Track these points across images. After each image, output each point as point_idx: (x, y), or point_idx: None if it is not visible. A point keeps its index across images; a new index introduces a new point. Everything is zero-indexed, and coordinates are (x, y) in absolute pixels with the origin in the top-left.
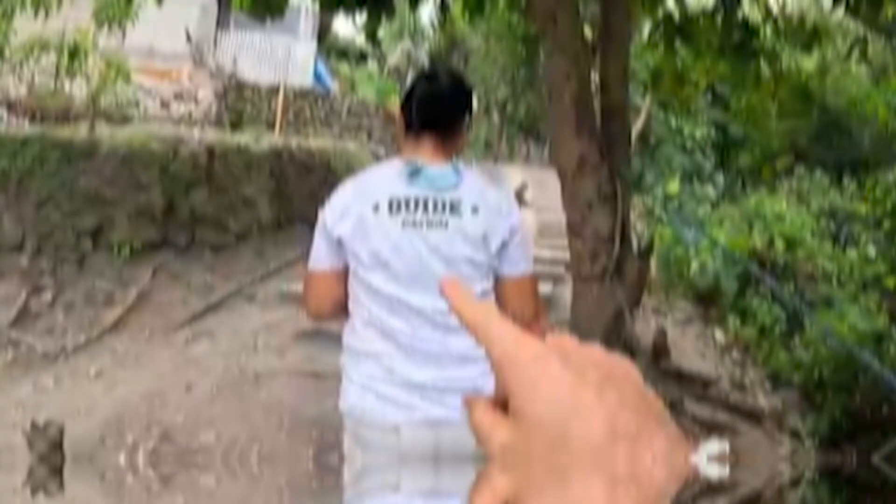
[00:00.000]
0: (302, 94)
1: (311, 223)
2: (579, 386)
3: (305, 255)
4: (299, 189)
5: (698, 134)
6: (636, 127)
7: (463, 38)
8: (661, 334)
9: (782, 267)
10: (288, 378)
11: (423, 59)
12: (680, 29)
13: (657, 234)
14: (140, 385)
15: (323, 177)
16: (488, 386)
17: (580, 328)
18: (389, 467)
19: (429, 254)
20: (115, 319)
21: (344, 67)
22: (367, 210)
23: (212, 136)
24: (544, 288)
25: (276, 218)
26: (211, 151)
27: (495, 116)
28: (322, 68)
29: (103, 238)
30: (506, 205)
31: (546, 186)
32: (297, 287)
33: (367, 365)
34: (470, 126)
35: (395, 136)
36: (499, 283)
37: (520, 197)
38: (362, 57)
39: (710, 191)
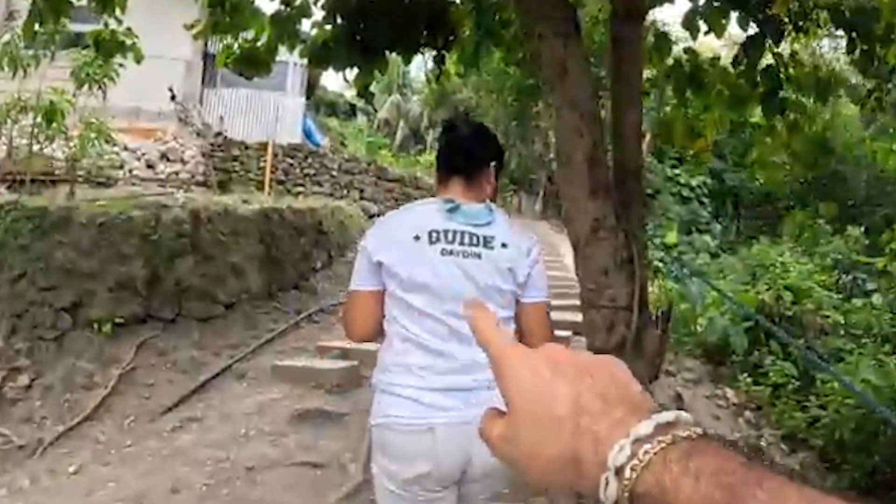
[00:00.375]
0: (291, 151)
1: (304, 288)
2: (555, 377)
3: (294, 321)
4: (290, 252)
5: (694, 182)
6: None
7: (454, 90)
8: (678, 399)
9: (790, 320)
10: (285, 470)
11: (414, 111)
12: (691, 77)
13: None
14: (123, 486)
15: (314, 239)
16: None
17: None
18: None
19: (464, 279)
20: (95, 405)
21: (333, 122)
22: (408, 239)
23: (197, 198)
24: None
25: (266, 285)
26: (196, 216)
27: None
28: (311, 123)
29: (82, 314)
30: (529, 242)
31: (542, 241)
32: (291, 361)
33: (405, 376)
34: (499, 171)
35: (388, 190)
36: (519, 307)
37: None
38: (351, 110)
39: (709, 240)
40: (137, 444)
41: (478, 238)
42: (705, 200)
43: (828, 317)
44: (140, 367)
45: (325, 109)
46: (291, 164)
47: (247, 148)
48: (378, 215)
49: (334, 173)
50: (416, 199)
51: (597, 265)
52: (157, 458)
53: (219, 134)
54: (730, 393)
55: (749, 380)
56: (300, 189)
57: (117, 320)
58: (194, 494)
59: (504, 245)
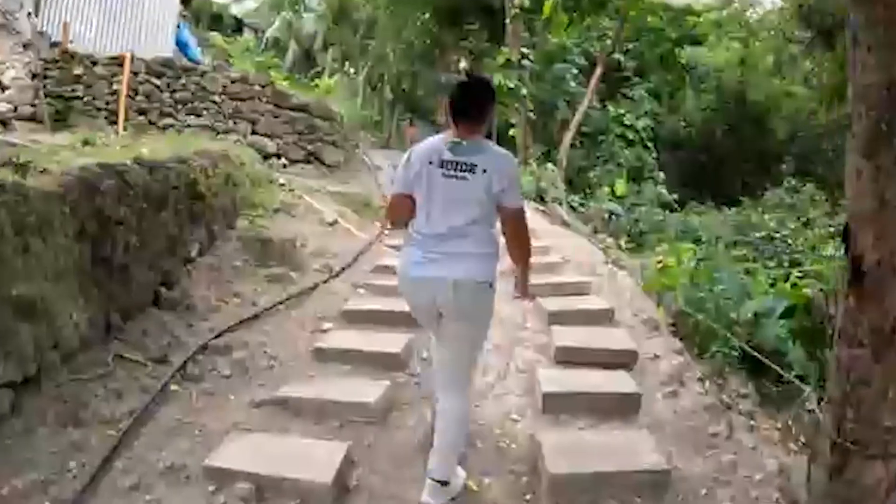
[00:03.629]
0: (159, 69)
1: (168, 304)
2: None
3: None
4: (143, 245)
5: (640, 124)
6: (576, 119)
7: (355, 7)
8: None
9: None
10: None
11: (307, 29)
12: None
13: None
14: None
15: (186, 209)
16: (478, 260)
17: None
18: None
19: (455, 192)
20: None
21: (217, 38)
22: (425, 163)
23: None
24: None
25: (95, 319)
26: None
27: (387, 92)
28: (187, 34)
29: None
30: (507, 164)
31: None
32: None
33: (408, 248)
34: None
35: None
36: (500, 210)
37: None
38: (238, 26)
39: (660, 189)
40: None
41: (466, 166)
42: (650, 145)
43: None
44: None
45: (207, 23)
46: (158, 87)
47: (94, 64)
48: (277, 156)
49: (217, 98)
50: (328, 132)
51: None
52: None
53: (55, 45)
54: None
55: None
56: (169, 122)
57: None
58: None
59: (484, 171)
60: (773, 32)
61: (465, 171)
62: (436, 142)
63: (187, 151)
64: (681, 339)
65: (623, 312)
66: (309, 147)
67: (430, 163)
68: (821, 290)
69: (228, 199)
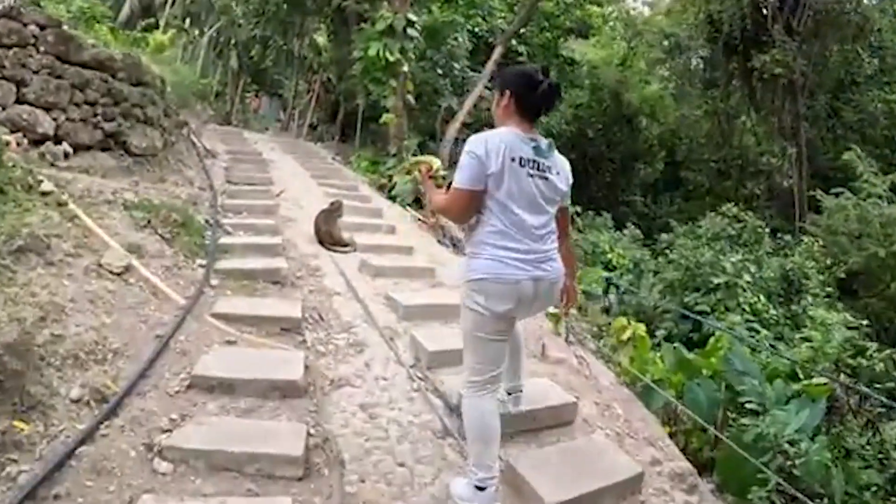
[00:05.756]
0: None
1: None
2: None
3: None
4: None
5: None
6: (465, 107)
7: None
8: None
9: None
10: None
11: None
12: None
13: None
14: None
15: None
16: (557, 258)
17: None
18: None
19: (537, 193)
20: None
21: None
22: (507, 160)
23: None
24: None
25: None
26: None
27: (233, 60)
28: None
29: None
30: (566, 169)
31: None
32: None
33: (495, 250)
34: None
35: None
36: (559, 209)
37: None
38: None
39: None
40: None
41: (546, 167)
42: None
43: None
44: None
45: None
46: None
47: None
48: (56, 140)
49: None
50: (139, 103)
51: None
52: None
53: None
54: None
55: None
56: None
57: None
58: None
59: (558, 173)
60: (656, 33)
61: (545, 171)
62: (510, 137)
63: None
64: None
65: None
66: (107, 126)
67: (513, 160)
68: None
69: None
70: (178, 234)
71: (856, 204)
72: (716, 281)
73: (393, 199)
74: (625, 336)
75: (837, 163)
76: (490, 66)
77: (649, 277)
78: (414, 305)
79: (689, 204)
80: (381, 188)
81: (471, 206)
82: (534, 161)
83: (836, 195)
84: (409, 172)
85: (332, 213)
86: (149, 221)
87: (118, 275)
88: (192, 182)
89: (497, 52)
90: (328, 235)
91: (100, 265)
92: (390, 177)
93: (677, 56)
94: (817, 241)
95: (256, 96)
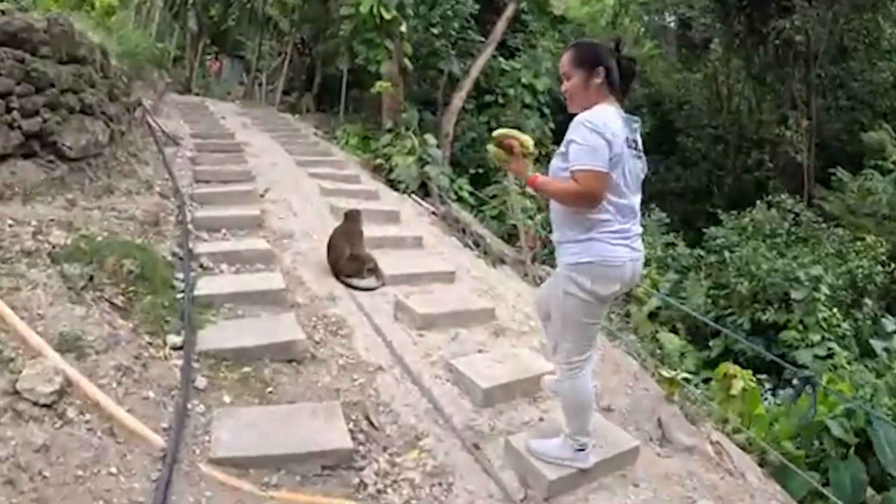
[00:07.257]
0: None
1: None
2: None
3: None
4: None
5: (540, 86)
6: (472, 75)
7: None
8: None
9: None
10: None
11: None
12: None
13: None
14: None
15: None
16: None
17: None
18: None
19: (638, 173)
20: None
21: None
22: (623, 144)
23: None
24: None
25: None
26: None
27: (192, 22)
28: None
29: None
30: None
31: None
32: None
33: (603, 233)
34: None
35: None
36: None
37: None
38: None
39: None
40: None
41: (640, 145)
42: (547, 112)
43: None
44: None
45: None
46: None
47: None
48: None
49: None
50: (75, 87)
51: None
52: None
53: None
54: None
55: None
56: None
57: None
58: None
59: (643, 150)
60: None
61: (640, 149)
62: (618, 118)
63: None
64: None
65: None
66: (27, 123)
67: (622, 142)
68: None
69: None
70: (136, 294)
71: (886, 187)
72: (794, 295)
73: (394, 185)
74: (735, 390)
75: (843, 136)
76: (501, 25)
77: (698, 278)
78: (496, 385)
79: (686, 172)
80: (376, 170)
81: (604, 188)
82: (634, 141)
83: (853, 174)
84: (499, 145)
85: (351, 228)
86: (90, 279)
87: (48, 407)
88: (151, 186)
89: (511, 9)
90: (351, 264)
91: (16, 393)
92: (387, 157)
93: (653, 12)
94: (880, 241)
95: (216, 59)
